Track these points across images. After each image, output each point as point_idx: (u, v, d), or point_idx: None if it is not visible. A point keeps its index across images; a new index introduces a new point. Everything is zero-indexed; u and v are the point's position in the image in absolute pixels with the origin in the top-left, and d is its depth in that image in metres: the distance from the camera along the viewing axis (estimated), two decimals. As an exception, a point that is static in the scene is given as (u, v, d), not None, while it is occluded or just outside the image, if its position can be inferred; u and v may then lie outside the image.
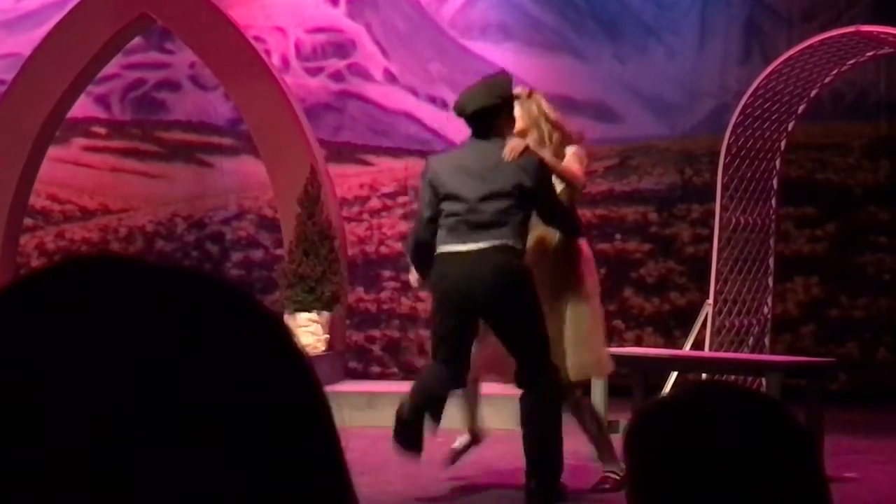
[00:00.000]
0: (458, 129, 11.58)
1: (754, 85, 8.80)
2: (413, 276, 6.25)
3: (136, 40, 11.03)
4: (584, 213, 11.34)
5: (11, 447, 0.58)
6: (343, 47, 11.57)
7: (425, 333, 11.43)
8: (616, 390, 7.31)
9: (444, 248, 5.79)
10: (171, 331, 0.61)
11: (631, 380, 7.43)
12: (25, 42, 10.97)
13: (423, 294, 11.48)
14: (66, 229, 11.52)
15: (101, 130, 11.76)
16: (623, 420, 7.21)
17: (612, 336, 11.05)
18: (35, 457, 0.58)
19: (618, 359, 7.63)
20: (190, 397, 0.59)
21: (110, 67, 10.91)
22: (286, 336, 0.65)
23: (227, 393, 0.60)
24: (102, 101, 11.69)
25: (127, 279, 0.63)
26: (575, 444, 7.56)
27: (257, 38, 10.87)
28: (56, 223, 11.47)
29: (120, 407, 0.58)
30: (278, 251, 10.54)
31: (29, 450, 0.58)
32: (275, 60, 11.10)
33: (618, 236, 11.29)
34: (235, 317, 0.63)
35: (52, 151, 10.68)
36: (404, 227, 11.49)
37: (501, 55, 11.40)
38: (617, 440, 7.16)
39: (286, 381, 0.63)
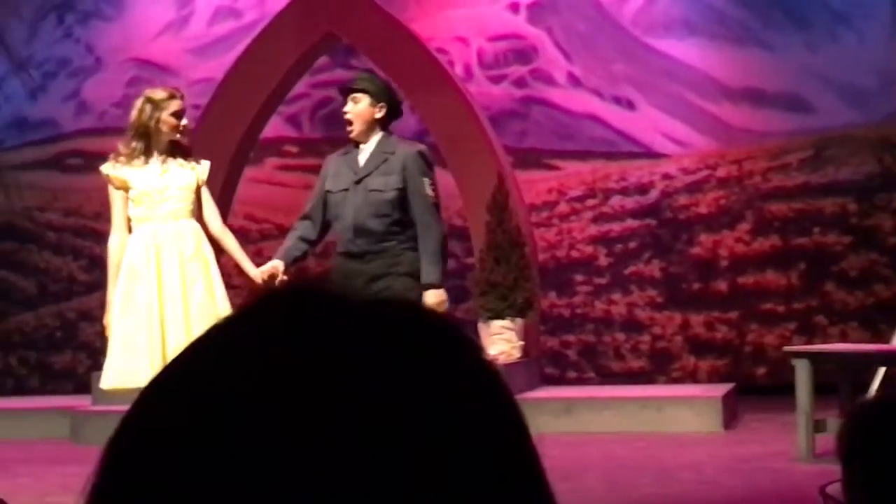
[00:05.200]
0: (644, 129, 11.49)
1: (955, 65, 8.44)
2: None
3: (322, 59, 11.25)
4: (780, 208, 11.11)
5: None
6: (525, 53, 11.57)
7: (621, 336, 11.32)
8: (821, 388, 7.09)
9: None
10: (377, 370, 0.62)
11: (837, 377, 7.20)
12: (217, 67, 11.30)
13: (616, 297, 11.38)
14: (263, 247, 11.80)
15: (293, 149, 12.03)
16: (830, 419, 6.99)
17: (815, 332, 10.75)
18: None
19: (822, 356, 7.41)
20: (403, 434, 0.60)
21: (299, 87, 11.15)
22: (490, 367, 0.66)
23: (436, 426, 0.61)
24: (293, 120, 11.96)
25: (329, 316, 0.63)
26: (783, 445, 7.37)
27: (440, 50, 10.95)
28: (254, 241, 11.76)
29: (336, 448, 0.59)
30: (469, 260, 10.58)
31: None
32: (458, 70, 11.17)
33: (816, 230, 10.98)
34: (436, 347, 0.64)
35: (248, 172, 10.98)
36: (594, 230, 11.40)
37: (686, 51, 11.23)
38: (823, 439, 6.95)
39: (490, 407, 0.64)
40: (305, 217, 6.06)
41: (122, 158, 5.81)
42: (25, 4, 12.23)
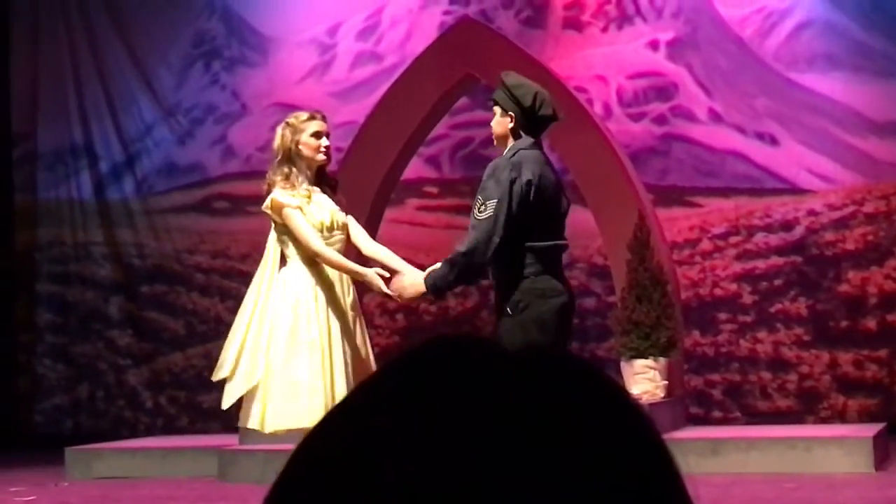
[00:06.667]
0: (788, 165, 11.30)
1: None
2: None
3: (462, 100, 11.34)
4: (931, 243, 10.81)
5: None
6: (665, 90, 11.50)
7: (767, 375, 11.10)
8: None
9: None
10: (529, 421, 0.63)
11: None
12: (359, 110, 11.47)
13: (762, 335, 11.18)
14: (404, 287, 11.92)
15: (434, 190, 12.12)
16: None
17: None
18: None
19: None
20: (562, 481, 0.61)
21: (439, 128, 11.25)
22: (638, 409, 0.67)
23: (593, 470, 0.62)
24: (433, 161, 12.07)
25: (473, 368, 0.65)
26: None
27: (579, 89, 10.95)
28: (395, 282, 11.89)
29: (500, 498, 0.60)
30: (611, 298, 10.52)
31: None
32: (597, 109, 11.15)
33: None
34: (582, 392, 0.65)
35: (389, 213, 11.09)
36: (738, 267, 11.24)
37: (830, 85, 11.04)
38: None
39: (641, 448, 0.65)
40: None
41: (286, 185, 5.47)
42: (173, 53, 12.60)
